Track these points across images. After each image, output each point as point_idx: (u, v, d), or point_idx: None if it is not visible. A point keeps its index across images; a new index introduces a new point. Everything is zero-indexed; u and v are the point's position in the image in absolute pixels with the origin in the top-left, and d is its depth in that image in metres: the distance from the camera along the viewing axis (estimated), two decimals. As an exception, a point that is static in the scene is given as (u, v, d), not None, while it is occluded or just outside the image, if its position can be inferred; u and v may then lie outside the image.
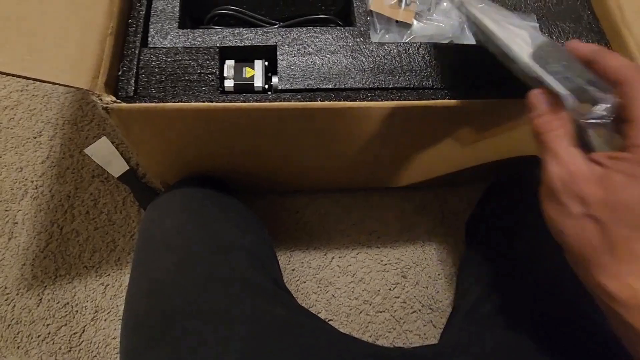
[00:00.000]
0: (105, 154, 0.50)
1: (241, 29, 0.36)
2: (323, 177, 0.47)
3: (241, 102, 0.33)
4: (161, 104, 0.31)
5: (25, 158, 0.50)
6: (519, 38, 0.26)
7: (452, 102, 0.34)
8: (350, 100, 0.34)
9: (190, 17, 0.39)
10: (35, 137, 0.51)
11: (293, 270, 0.47)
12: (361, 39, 0.37)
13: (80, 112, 0.53)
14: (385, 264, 0.48)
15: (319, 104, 0.33)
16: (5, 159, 0.50)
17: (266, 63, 0.36)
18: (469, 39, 0.41)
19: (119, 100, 0.31)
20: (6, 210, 0.47)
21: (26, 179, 0.49)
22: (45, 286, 0.45)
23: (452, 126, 0.38)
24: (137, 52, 0.34)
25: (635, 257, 0.17)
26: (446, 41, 0.40)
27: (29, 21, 0.29)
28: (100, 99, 0.30)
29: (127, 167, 0.50)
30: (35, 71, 0.28)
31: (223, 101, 0.33)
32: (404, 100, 0.34)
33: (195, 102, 0.32)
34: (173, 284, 0.30)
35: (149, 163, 0.40)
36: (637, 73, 0.19)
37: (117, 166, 0.50)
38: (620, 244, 0.18)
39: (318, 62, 0.35)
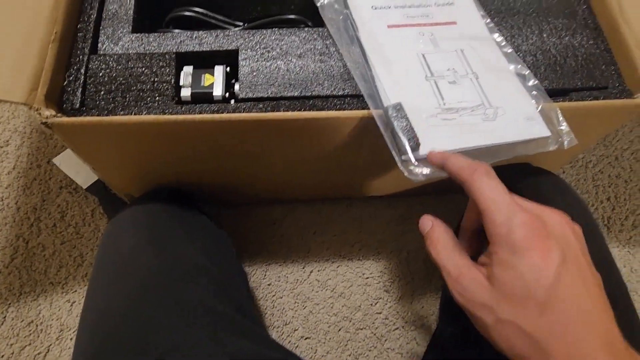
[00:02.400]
0: (73, 163, 0.48)
1: (200, 32, 0.33)
2: (299, 187, 0.44)
3: (196, 113, 0.30)
4: (106, 118, 0.29)
5: (-10, 169, 0.48)
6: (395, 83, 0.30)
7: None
8: (317, 109, 0.31)
9: (149, 20, 0.36)
10: (1, 147, 0.49)
11: (269, 285, 0.45)
12: (331, 40, 0.34)
13: (49, 119, 0.51)
14: (367, 278, 0.46)
15: (280, 114, 0.30)
16: (-31, 170, 0.48)
17: (227, 69, 0.33)
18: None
19: (59, 115, 0.28)
20: (-31, 224, 0.45)
21: (-9, 191, 0.47)
22: (10, 304, 0.43)
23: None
24: (85, 59, 0.31)
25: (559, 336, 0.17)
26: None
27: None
28: (39, 113, 0.27)
29: (96, 177, 0.47)
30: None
31: (177, 113, 0.30)
32: (375, 108, 0.31)
33: (147, 113, 0.30)
34: (125, 317, 0.27)
35: (108, 177, 0.38)
36: (472, 173, 0.22)
37: (86, 176, 0.47)
38: (542, 337, 0.18)
39: (283, 67, 0.33)
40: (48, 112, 0.28)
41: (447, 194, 0.49)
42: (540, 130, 0.29)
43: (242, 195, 0.45)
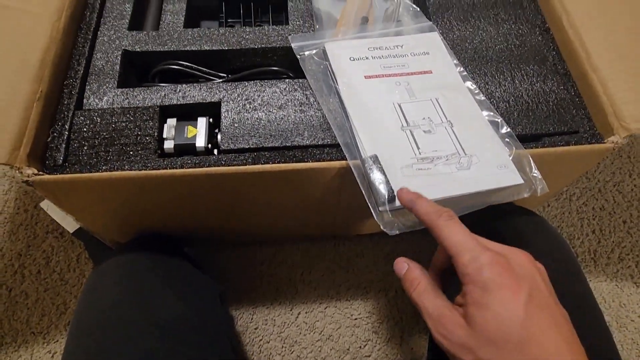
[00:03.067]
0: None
1: (184, 85, 0.34)
2: (284, 229, 0.44)
3: (177, 167, 0.30)
4: (86, 175, 0.29)
5: (-24, 215, 0.48)
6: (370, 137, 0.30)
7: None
8: (297, 160, 0.32)
9: (135, 74, 0.37)
10: (-11, 192, 0.50)
11: (256, 329, 0.44)
12: (311, 91, 0.35)
13: (38, 163, 0.51)
14: (356, 319, 0.45)
15: (260, 167, 0.31)
16: (-45, 216, 0.48)
17: (211, 120, 0.34)
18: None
19: (41, 172, 0.29)
20: (-48, 273, 0.45)
21: (-24, 238, 0.47)
22: (-11, 356, 0.42)
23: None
24: (70, 115, 0.32)
25: None
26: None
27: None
28: (20, 172, 0.28)
29: (82, 222, 0.47)
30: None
31: (160, 166, 0.31)
32: (353, 158, 0.32)
33: (129, 168, 0.30)
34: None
35: (92, 226, 0.38)
36: (437, 218, 0.23)
37: (72, 221, 0.47)
38: None
39: (264, 117, 0.34)
40: (30, 171, 0.28)
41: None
42: (513, 178, 0.30)
43: (228, 237, 0.45)
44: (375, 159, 0.29)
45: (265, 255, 0.48)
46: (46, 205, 0.49)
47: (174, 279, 0.36)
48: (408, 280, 0.24)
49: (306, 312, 0.45)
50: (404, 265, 0.25)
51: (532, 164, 0.31)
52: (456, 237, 0.22)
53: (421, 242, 0.49)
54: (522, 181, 0.30)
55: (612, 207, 0.53)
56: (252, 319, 0.45)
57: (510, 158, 0.31)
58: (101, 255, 0.46)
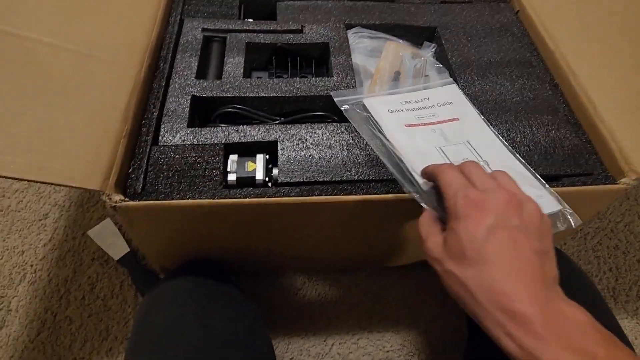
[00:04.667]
0: (107, 235, 0.51)
1: (245, 127, 0.39)
2: (323, 259, 0.47)
3: (241, 197, 0.34)
4: (164, 202, 0.33)
5: (28, 241, 0.51)
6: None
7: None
8: (346, 193, 0.36)
9: (199, 116, 0.42)
10: (40, 220, 0.53)
11: (291, 359, 0.45)
12: (356, 133, 0.40)
13: (87, 194, 0.55)
14: (388, 351, 0.46)
15: (314, 198, 0.34)
16: (8, 242, 0.51)
17: (267, 156, 0.39)
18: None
19: (126, 199, 0.32)
20: (1, 297, 0.47)
21: (26, 263, 0.49)
22: (31, 381, 0.42)
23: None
24: (147, 150, 0.37)
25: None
26: (434, 132, 0.43)
27: (55, 129, 0.32)
28: (110, 198, 0.32)
29: (128, 249, 0.50)
30: (50, 176, 0.30)
31: (225, 195, 0.34)
32: (397, 192, 0.36)
33: (198, 197, 0.34)
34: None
35: (150, 251, 0.41)
36: (439, 166, 0.28)
37: (118, 248, 0.50)
38: (472, 285, 0.22)
39: (316, 155, 0.38)
40: (117, 197, 0.32)
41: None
42: (552, 204, 0.33)
43: (269, 265, 0.48)
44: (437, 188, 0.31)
45: (298, 285, 0.50)
46: (94, 233, 0.52)
47: (224, 301, 0.38)
48: (419, 219, 0.28)
49: (340, 344, 0.47)
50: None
51: (561, 198, 0.34)
52: (447, 177, 0.27)
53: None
54: (560, 207, 0.32)
55: (625, 246, 0.56)
56: (287, 348, 0.46)
57: (545, 189, 0.34)
58: (145, 282, 0.48)
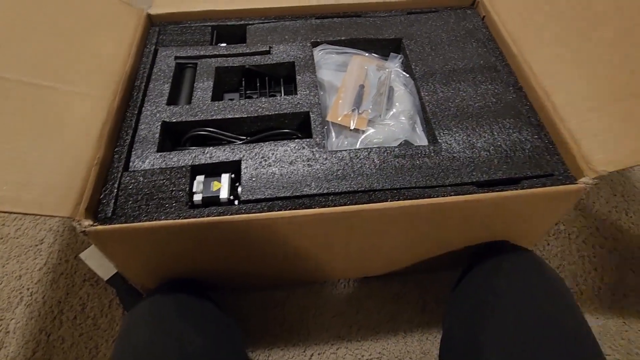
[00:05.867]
0: (97, 257, 0.54)
1: (211, 148, 0.41)
2: (299, 273, 0.48)
3: (205, 216, 0.36)
4: (129, 225, 0.35)
5: (25, 266, 0.54)
6: None
7: (397, 204, 0.37)
8: (306, 207, 0.37)
9: (171, 140, 0.45)
10: (36, 245, 0.56)
11: (272, 370, 0.46)
12: (317, 148, 0.41)
13: (80, 218, 0.58)
14: (367, 359, 0.47)
15: (273, 214, 0.36)
16: (7, 268, 0.54)
17: (232, 175, 0.41)
18: (421, 139, 0.45)
19: (95, 224, 0.35)
20: (0, 320, 0.50)
21: (23, 287, 0.52)
22: (25, 399, 0.45)
23: (409, 223, 0.40)
24: (119, 176, 0.39)
25: None
26: (397, 142, 0.44)
27: (30, 161, 0.35)
28: (79, 224, 0.34)
29: (115, 270, 0.52)
30: (23, 206, 0.32)
31: (189, 215, 0.36)
32: (354, 203, 0.37)
33: (164, 218, 0.36)
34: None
35: (128, 272, 0.43)
36: None
37: (107, 269, 0.53)
38: None
39: (277, 172, 0.40)
40: (87, 223, 0.34)
41: (439, 273, 0.52)
42: None
43: (245, 282, 0.49)
44: None
45: (278, 299, 0.51)
46: (85, 255, 0.54)
47: (201, 318, 0.39)
48: None
49: (319, 354, 0.47)
50: None
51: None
52: None
53: (427, 283, 0.52)
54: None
55: (611, 244, 0.55)
56: (267, 360, 0.47)
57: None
58: (131, 300, 0.50)
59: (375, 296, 0.51)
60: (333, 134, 0.45)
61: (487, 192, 0.37)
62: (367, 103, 0.46)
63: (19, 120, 0.37)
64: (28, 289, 0.52)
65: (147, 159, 0.41)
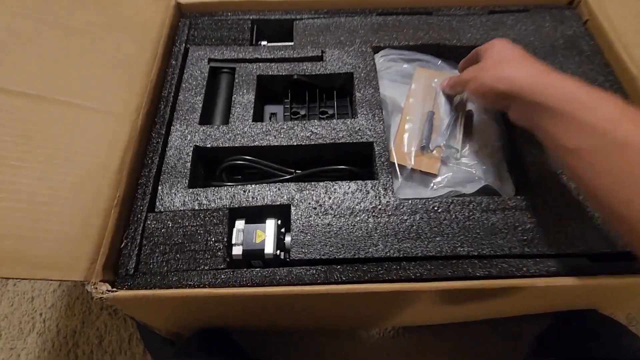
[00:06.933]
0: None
1: (253, 186, 0.34)
2: (346, 325, 0.41)
3: (244, 285, 0.29)
4: (155, 292, 0.28)
5: (37, 286, 0.49)
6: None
7: (493, 284, 0.29)
8: (372, 275, 0.30)
9: (204, 166, 0.37)
10: (50, 262, 0.51)
11: None
12: (383, 193, 0.33)
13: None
14: None
15: (335, 288, 0.28)
16: (19, 287, 0.49)
17: (279, 222, 0.33)
18: (506, 183, 0.36)
19: (113, 289, 0.28)
20: (11, 349, 0.45)
21: (35, 311, 0.47)
22: None
23: (498, 298, 0.32)
24: (143, 218, 0.32)
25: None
26: (478, 186, 0.36)
27: (37, 203, 0.28)
28: (95, 288, 0.27)
29: (136, 300, 0.47)
30: (28, 269, 0.26)
31: (227, 279, 0.29)
32: (434, 275, 0.29)
33: (197, 278, 0.29)
34: None
35: (153, 324, 0.37)
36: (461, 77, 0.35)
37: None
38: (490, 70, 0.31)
39: (335, 223, 0.32)
40: (104, 287, 0.28)
41: (498, 322, 0.45)
42: None
43: (284, 329, 0.43)
44: None
45: (319, 346, 0.45)
46: (102, 278, 0.49)
47: None
48: (460, 76, 0.36)
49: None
50: (444, 83, 0.39)
51: None
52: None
53: (485, 333, 0.45)
54: None
55: None
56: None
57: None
58: (152, 338, 0.45)
59: (429, 350, 0.45)
60: (398, 173, 0.36)
61: (604, 275, 0.29)
62: (439, 137, 0.37)
63: (23, 147, 0.30)
64: (41, 315, 0.47)
65: (177, 196, 0.33)
